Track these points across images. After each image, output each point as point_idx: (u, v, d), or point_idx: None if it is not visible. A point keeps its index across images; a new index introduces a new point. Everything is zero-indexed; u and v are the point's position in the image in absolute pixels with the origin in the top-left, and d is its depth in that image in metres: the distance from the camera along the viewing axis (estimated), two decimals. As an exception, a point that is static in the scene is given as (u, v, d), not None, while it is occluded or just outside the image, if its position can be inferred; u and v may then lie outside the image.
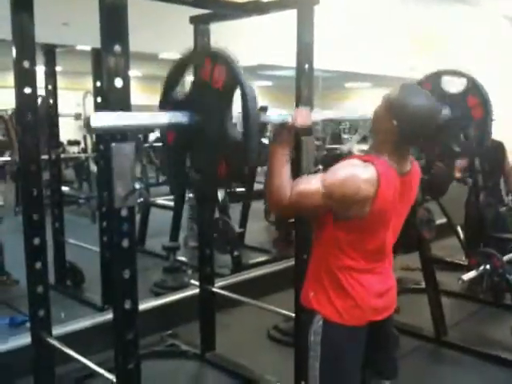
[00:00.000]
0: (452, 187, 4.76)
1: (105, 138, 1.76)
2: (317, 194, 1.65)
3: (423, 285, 3.73)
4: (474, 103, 2.50)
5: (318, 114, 1.97)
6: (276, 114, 1.77)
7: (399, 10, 6.20)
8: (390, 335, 1.95)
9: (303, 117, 1.76)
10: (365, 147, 2.69)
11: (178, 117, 1.70)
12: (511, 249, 3.96)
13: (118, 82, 1.73)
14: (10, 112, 4.78)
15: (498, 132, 4.84)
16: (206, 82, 1.65)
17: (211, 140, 1.65)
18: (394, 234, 1.84)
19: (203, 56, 1.72)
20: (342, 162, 1.71)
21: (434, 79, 2.60)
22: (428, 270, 3.60)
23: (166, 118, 1.70)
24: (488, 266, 3.41)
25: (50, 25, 3.13)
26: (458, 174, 4.82)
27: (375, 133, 1.78)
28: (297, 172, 2.21)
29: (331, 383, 1.80)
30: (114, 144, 1.70)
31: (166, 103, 1.80)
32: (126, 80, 1.75)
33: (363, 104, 7.42)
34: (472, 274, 3.42)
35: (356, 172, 1.64)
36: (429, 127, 1.68)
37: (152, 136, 10.62)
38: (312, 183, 1.68)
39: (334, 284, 1.76)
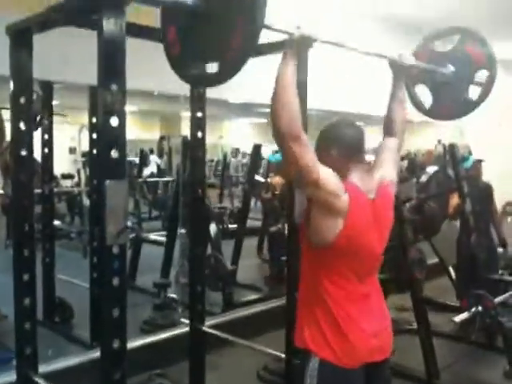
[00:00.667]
0: (444, 227, 4.78)
1: (99, 175, 1.76)
2: (315, 170, 1.67)
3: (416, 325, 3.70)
4: (472, 49, 2.34)
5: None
6: None
7: (389, 50, 6.32)
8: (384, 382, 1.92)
9: (307, 29, 1.74)
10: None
11: None
12: (503, 290, 3.95)
13: (114, 121, 1.74)
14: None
15: (486, 174, 4.91)
16: None
17: (219, 15, 1.62)
18: (377, 258, 1.87)
19: None
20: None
21: (427, 45, 2.46)
22: (420, 310, 3.58)
23: None
24: (480, 308, 3.40)
25: (49, 62, 3.18)
26: (451, 211, 4.84)
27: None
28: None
29: None
30: (108, 182, 1.70)
31: None
32: (122, 118, 1.76)
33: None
34: (464, 315, 3.40)
35: (339, 185, 1.72)
36: (362, 140, 1.85)
37: (146, 171, 10.68)
38: (318, 162, 1.69)
39: (326, 316, 1.75)
